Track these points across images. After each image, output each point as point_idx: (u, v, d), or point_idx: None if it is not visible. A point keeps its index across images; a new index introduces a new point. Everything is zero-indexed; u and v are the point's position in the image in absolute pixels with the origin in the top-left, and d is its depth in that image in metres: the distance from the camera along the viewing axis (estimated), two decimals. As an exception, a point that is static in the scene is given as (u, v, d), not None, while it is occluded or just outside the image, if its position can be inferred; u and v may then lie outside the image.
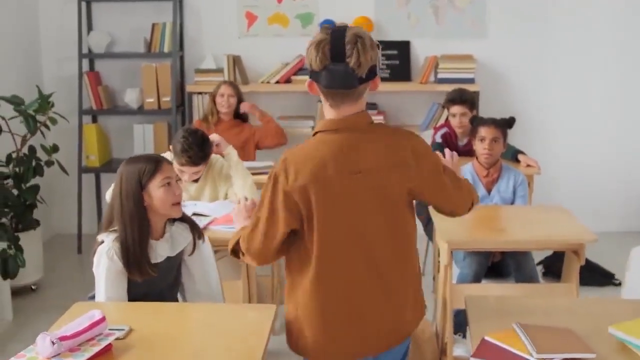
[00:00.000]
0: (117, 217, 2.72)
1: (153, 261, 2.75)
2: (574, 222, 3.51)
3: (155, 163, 2.75)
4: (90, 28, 5.95)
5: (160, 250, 2.79)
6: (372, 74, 2.19)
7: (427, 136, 5.22)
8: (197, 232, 2.90)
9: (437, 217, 3.45)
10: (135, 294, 2.76)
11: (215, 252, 3.08)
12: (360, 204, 2.21)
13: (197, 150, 3.71)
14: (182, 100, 5.96)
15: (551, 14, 5.84)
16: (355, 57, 2.13)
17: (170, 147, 3.83)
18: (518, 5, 5.83)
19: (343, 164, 2.18)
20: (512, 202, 4.09)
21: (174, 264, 2.88)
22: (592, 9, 5.83)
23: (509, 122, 4.20)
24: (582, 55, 5.89)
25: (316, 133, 2.26)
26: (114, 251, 2.70)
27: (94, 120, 6.06)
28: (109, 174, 5.94)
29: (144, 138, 5.82)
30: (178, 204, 2.79)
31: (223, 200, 3.87)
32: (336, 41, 2.15)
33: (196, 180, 3.91)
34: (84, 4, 5.87)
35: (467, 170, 4.13)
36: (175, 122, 5.81)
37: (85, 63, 5.97)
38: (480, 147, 4.07)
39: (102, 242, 2.74)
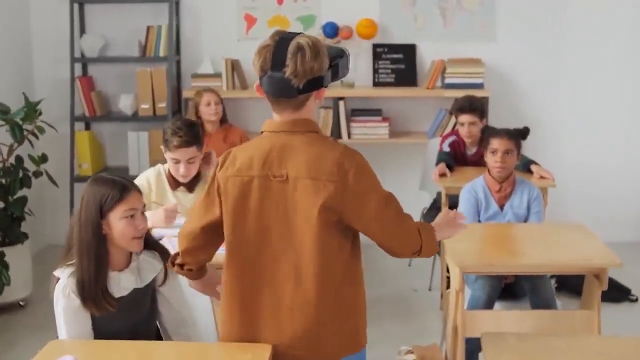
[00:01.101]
0: (75, 244, 2.50)
1: (117, 294, 2.53)
2: (595, 243, 3.28)
3: (121, 190, 2.51)
4: (83, 31, 5.75)
5: (125, 283, 2.56)
6: (315, 85, 2.18)
7: (435, 144, 5.07)
8: (168, 260, 2.64)
9: (450, 245, 3.22)
10: (106, 329, 2.54)
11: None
12: (270, 210, 2.21)
13: (187, 130, 3.57)
14: (179, 106, 5.75)
15: (565, 15, 5.66)
16: (292, 68, 2.14)
17: (162, 147, 3.64)
18: (529, 6, 5.65)
19: (267, 166, 2.20)
20: (526, 219, 3.85)
21: (145, 295, 2.65)
22: (608, 10, 5.64)
23: (522, 133, 3.99)
24: (597, 58, 5.70)
25: (263, 131, 2.28)
26: (70, 288, 2.49)
27: (87, 127, 5.86)
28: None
29: (138, 145, 5.63)
30: (140, 237, 2.56)
31: None
32: (279, 49, 2.16)
33: (191, 190, 3.68)
34: (76, 6, 5.67)
35: (479, 183, 3.92)
36: (171, 129, 5.57)
37: (78, 67, 5.77)
38: (492, 160, 3.85)
39: (59, 279, 2.53)
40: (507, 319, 3.22)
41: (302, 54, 2.14)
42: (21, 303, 4.80)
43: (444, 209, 4.15)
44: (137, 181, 3.60)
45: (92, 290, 2.46)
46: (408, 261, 5.41)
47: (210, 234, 2.35)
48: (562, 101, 5.74)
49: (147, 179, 3.66)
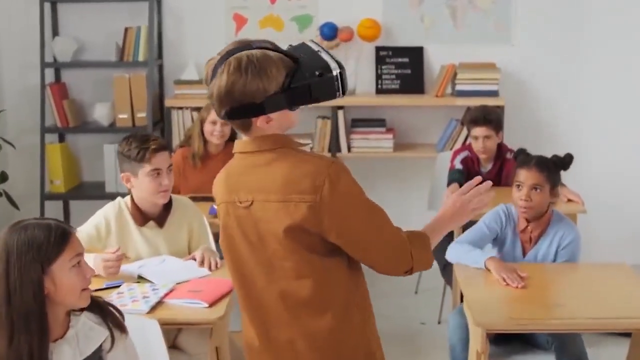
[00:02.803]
0: (2, 317, 1.94)
1: None
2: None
3: (61, 235, 2.00)
4: (55, 33, 5.29)
5: (61, 356, 2.03)
6: (249, 112, 1.93)
7: (445, 158, 4.65)
8: (115, 324, 2.14)
9: (465, 288, 2.69)
10: None
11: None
12: (242, 239, 2.03)
13: (152, 137, 3.12)
14: (161, 115, 5.28)
15: (588, 15, 5.23)
16: (210, 91, 1.95)
17: (122, 176, 3.09)
18: (549, 4, 5.24)
19: (234, 192, 2.02)
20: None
21: None
22: (636, 7, 5.23)
23: (562, 162, 3.32)
24: (624, 62, 5.28)
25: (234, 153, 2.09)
26: None
27: (61, 139, 5.39)
28: (78, 201, 5.29)
29: (115, 160, 5.11)
30: (87, 289, 2.06)
31: (189, 261, 3.06)
32: (219, 65, 1.93)
33: (162, 225, 3.14)
34: (47, 5, 5.19)
35: (513, 213, 3.31)
36: (152, 142, 5.08)
37: (50, 73, 5.31)
38: (516, 196, 3.24)
39: None
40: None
41: (226, 70, 1.90)
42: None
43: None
44: (94, 221, 3.11)
45: None
46: (414, 288, 5.00)
47: None
48: (586, 110, 5.33)
49: (105, 217, 3.12)
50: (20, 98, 5.32)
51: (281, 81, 1.90)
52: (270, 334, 2.05)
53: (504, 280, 2.84)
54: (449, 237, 4.35)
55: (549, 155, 3.36)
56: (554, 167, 3.25)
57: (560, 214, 3.34)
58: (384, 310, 4.72)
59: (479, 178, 2.18)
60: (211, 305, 2.58)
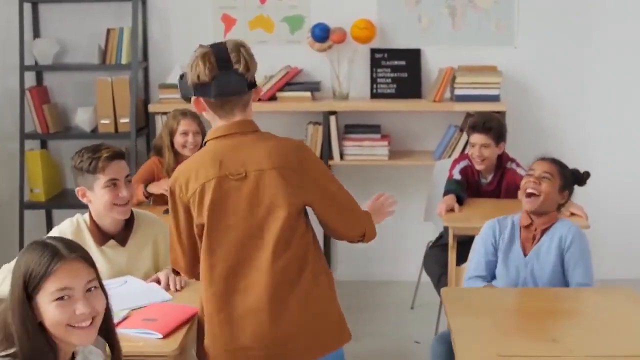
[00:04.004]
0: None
1: None
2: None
3: (48, 259, 1.85)
4: (37, 34, 5.09)
5: None
6: (254, 83, 2.39)
7: (443, 167, 4.45)
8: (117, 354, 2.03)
9: (452, 317, 2.44)
10: None
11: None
12: (232, 209, 2.31)
13: (105, 146, 2.90)
14: (146, 121, 5.06)
15: (594, 16, 5.03)
16: (244, 62, 2.31)
17: (78, 191, 2.87)
18: (553, 4, 5.04)
19: (223, 167, 2.31)
20: (561, 273, 3.12)
21: None
22: None
23: (580, 177, 3.36)
24: (631, 66, 5.09)
25: (207, 141, 2.40)
26: None
27: (44, 145, 5.18)
28: (60, 210, 5.05)
29: None
30: (76, 326, 1.89)
31: (152, 284, 2.82)
32: (219, 52, 2.31)
33: (123, 243, 2.91)
34: (27, 6, 4.99)
35: (510, 220, 3.26)
36: (135, 149, 4.86)
37: (31, 76, 5.09)
38: (525, 180, 3.24)
39: None
40: None
41: (245, 49, 2.33)
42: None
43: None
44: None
45: None
46: (411, 302, 4.80)
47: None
48: (592, 116, 5.14)
49: (61, 235, 2.88)
50: (2, 102, 5.12)
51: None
52: (249, 299, 2.29)
53: None
54: (441, 248, 4.15)
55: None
56: (570, 174, 3.26)
57: (565, 219, 3.28)
58: (379, 327, 4.54)
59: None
60: (166, 336, 2.35)
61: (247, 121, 2.37)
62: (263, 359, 2.29)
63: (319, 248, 2.42)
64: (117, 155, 2.83)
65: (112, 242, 2.89)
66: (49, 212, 5.24)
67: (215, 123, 2.37)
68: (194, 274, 2.42)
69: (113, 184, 2.80)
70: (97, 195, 2.81)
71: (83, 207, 4.91)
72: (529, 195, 3.13)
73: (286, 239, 2.29)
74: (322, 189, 2.35)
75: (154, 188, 3.96)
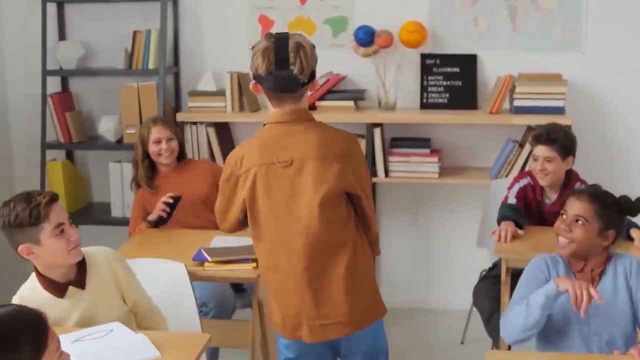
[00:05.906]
0: None
1: None
2: None
3: (37, 329, 1.81)
4: (62, 37, 4.85)
5: None
6: (312, 77, 2.59)
7: (500, 186, 4.11)
8: None
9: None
10: None
11: None
12: (277, 194, 2.54)
13: (37, 192, 2.60)
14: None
15: None
16: (299, 65, 2.52)
17: (21, 249, 2.54)
18: (627, 5, 4.59)
19: (273, 154, 2.54)
20: (634, 310, 2.69)
21: None
22: None
23: (631, 206, 2.84)
24: None
25: (265, 124, 2.63)
26: None
27: (69, 156, 4.95)
28: (85, 226, 4.64)
29: (122, 180, 4.71)
30: None
31: (140, 335, 2.46)
32: (280, 49, 2.51)
33: (82, 286, 2.66)
34: (52, 6, 4.74)
35: (539, 260, 2.82)
36: (163, 161, 4.55)
37: (55, 82, 4.85)
38: (557, 223, 2.83)
39: None
40: None
41: (303, 51, 2.52)
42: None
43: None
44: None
45: None
46: (460, 337, 4.43)
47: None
48: None
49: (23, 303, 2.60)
50: (26, 109, 4.92)
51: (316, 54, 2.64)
52: (295, 277, 2.56)
53: (575, 295, 2.46)
54: (493, 280, 3.72)
55: (623, 188, 2.95)
56: (615, 206, 2.78)
57: (620, 253, 2.87)
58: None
59: None
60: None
61: (302, 110, 2.60)
62: (310, 329, 2.58)
63: (360, 230, 2.65)
64: (54, 198, 2.57)
65: (71, 289, 2.63)
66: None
67: (270, 106, 2.61)
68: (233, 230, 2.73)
69: (61, 230, 2.53)
70: (46, 247, 2.53)
71: (105, 224, 4.64)
72: (561, 246, 2.77)
73: (324, 223, 2.51)
74: (363, 179, 2.63)
75: (153, 216, 3.80)
